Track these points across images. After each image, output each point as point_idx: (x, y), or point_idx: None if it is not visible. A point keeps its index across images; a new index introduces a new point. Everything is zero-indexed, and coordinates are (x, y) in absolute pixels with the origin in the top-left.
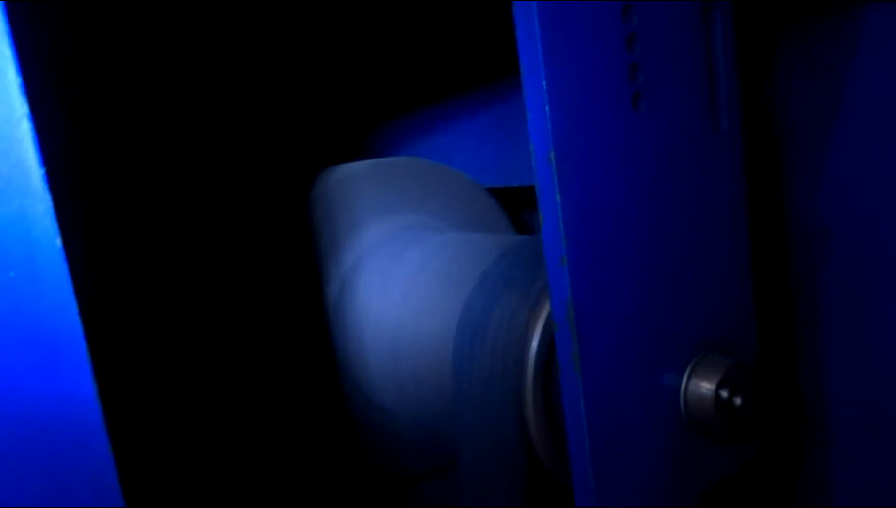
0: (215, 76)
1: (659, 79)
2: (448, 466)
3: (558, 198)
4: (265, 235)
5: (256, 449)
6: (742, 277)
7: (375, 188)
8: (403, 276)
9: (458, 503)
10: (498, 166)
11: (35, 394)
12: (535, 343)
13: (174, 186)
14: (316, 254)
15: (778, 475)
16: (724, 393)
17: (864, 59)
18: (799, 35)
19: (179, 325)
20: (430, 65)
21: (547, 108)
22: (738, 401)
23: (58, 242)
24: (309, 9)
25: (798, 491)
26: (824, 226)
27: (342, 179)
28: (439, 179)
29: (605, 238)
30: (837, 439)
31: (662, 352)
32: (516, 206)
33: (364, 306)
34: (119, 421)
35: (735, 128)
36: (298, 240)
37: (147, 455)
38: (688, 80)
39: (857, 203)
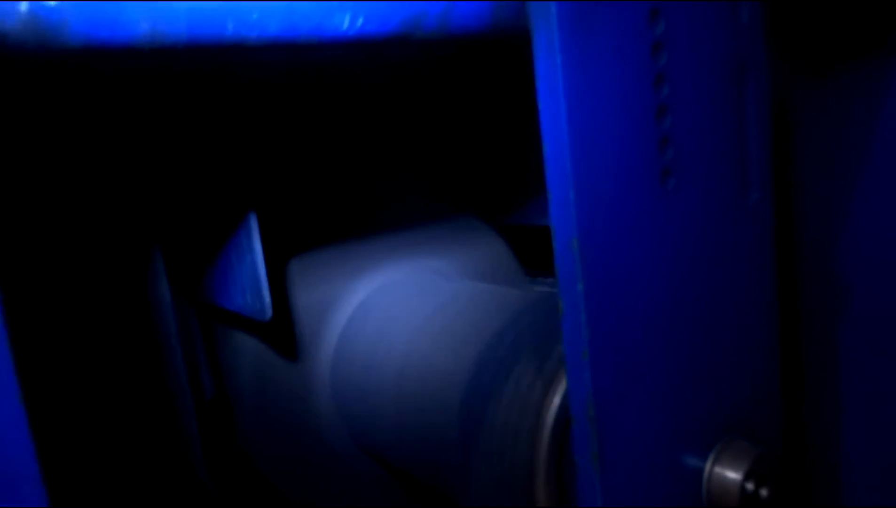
0: None
1: (689, 152)
2: None
3: (580, 287)
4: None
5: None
6: (769, 355)
7: (382, 229)
8: (415, 320)
9: None
10: (506, 204)
11: None
12: (549, 422)
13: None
14: (315, 295)
15: None
16: (751, 485)
17: (888, 107)
18: (814, 82)
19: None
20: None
21: (572, 193)
22: (764, 493)
23: None
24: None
25: None
26: (842, 281)
27: (346, 219)
28: (447, 220)
29: (629, 328)
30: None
31: (685, 441)
32: (519, 243)
33: (370, 346)
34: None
35: (765, 198)
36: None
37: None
38: (718, 150)
39: (878, 257)
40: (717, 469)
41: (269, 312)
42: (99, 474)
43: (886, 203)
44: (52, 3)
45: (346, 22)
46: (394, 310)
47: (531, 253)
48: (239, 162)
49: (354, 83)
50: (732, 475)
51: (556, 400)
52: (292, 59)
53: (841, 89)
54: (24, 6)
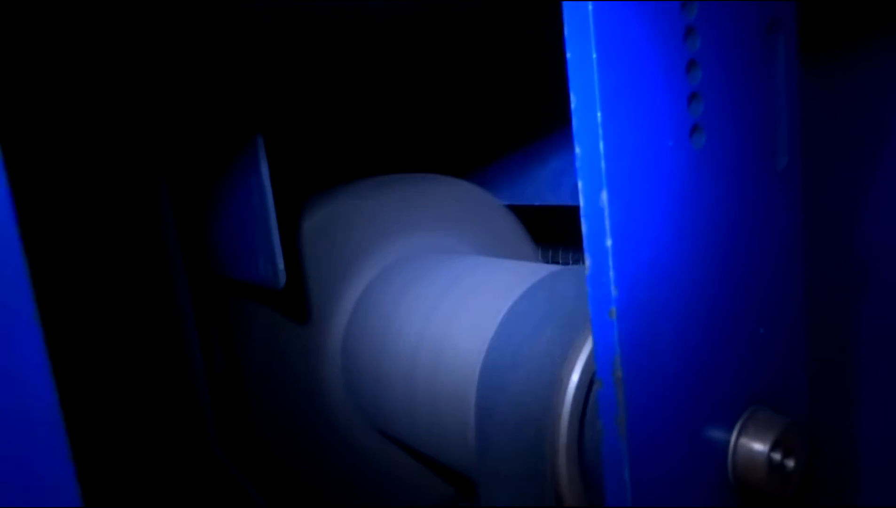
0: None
1: (718, 110)
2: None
3: (609, 244)
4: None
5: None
6: (797, 325)
7: (394, 205)
8: (430, 293)
9: None
10: (517, 184)
11: None
12: (570, 393)
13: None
14: (328, 269)
15: None
16: (777, 455)
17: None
18: (820, 61)
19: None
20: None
21: (601, 144)
22: (790, 464)
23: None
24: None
25: None
26: (863, 261)
27: (354, 196)
28: (461, 197)
29: (657, 289)
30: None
31: (711, 409)
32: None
33: (381, 326)
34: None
35: (794, 166)
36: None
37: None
38: (748, 111)
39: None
40: (743, 440)
41: (282, 280)
42: (113, 447)
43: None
44: None
45: None
46: (409, 284)
47: None
48: (252, 114)
49: (374, 34)
50: (759, 446)
51: (578, 368)
52: None
53: (849, 69)
54: None
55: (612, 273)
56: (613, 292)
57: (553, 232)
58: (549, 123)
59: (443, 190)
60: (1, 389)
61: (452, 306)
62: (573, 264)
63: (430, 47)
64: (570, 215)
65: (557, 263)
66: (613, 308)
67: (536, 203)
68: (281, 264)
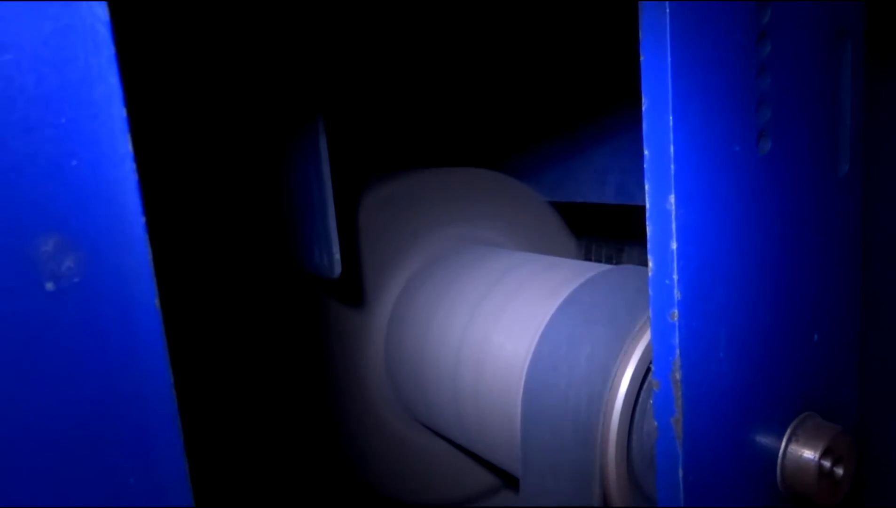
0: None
1: (785, 117)
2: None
3: (674, 246)
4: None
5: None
6: (849, 333)
7: (437, 198)
8: (473, 292)
9: None
10: (559, 180)
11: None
12: (620, 396)
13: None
14: (375, 257)
15: None
16: (827, 463)
17: None
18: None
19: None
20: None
21: (671, 148)
22: (840, 471)
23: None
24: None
25: None
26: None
27: (401, 187)
28: (504, 191)
29: (718, 293)
30: None
31: (764, 414)
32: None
33: (425, 320)
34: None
35: (855, 173)
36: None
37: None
38: (812, 118)
39: None
40: (793, 446)
41: (338, 270)
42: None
43: None
44: None
45: None
46: (453, 277)
47: None
48: (313, 92)
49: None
50: (809, 453)
51: (628, 371)
52: None
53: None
54: None
55: (675, 276)
56: (676, 294)
57: (586, 226)
58: (593, 118)
59: (486, 184)
60: (119, 379)
61: (498, 303)
62: (606, 258)
63: (474, 37)
64: (609, 211)
65: (591, 256)
66: (675, 311)
67: (578, 200)
68: (337, 254)
